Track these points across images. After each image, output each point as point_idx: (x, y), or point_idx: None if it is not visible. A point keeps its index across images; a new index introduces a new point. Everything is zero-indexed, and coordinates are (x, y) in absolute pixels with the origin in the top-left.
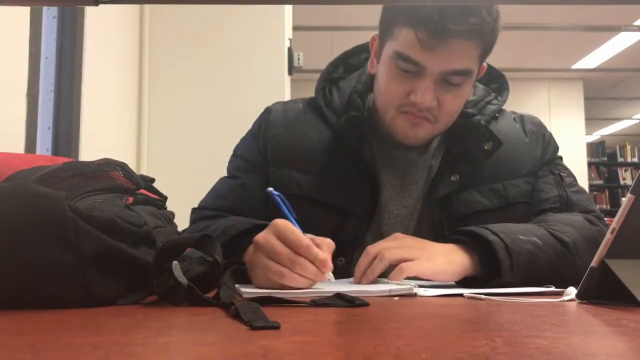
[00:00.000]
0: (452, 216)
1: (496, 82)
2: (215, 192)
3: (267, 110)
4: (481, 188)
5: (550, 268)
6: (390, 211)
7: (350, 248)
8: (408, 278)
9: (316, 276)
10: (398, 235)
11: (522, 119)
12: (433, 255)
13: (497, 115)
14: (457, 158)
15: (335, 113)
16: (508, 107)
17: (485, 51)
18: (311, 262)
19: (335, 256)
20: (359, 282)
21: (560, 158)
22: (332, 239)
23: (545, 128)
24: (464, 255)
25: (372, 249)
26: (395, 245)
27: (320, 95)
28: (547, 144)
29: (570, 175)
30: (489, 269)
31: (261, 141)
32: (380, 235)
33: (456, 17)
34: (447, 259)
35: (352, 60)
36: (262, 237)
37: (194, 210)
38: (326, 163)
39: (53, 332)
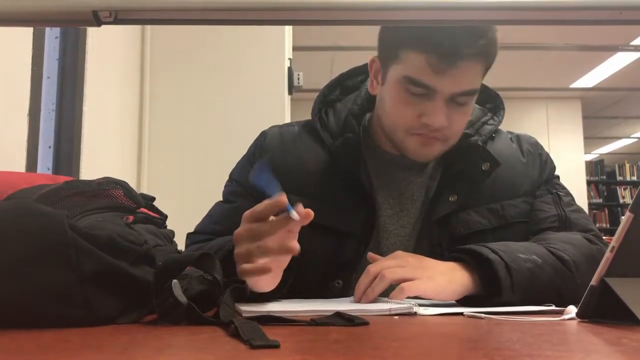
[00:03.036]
0: (451, 236)
1: (491, 102)
2: (210, 217)
3: (263, 134)
4: (479, 208)
5: (550, 286)
6: (389, 231)
7: (348, 270)
8: (408, 297)
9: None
10: (399, 253)
11: (518, 139)
12: (434, 274)
13: (493, 135)
14: (455, 178)
15: (331, 135)
16: (507, 126)
17: (487, 69)
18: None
19: (332, 278)
20: (359, 301)
21: (558, 177)
22: (329, 261)
23: (542, 148)
24: (464, 274)
25: (373, 268)
26: (397, 264)
27: (317, 117)
28: (544, 163)
29: (568, 194)
30: (489, 288)
31: None
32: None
33: (466, 40)
34: (448, 278)
35: (349, 82)
36: (237, 230)
37: (189, 235)
38: (323, 185)
39: (52, 351)
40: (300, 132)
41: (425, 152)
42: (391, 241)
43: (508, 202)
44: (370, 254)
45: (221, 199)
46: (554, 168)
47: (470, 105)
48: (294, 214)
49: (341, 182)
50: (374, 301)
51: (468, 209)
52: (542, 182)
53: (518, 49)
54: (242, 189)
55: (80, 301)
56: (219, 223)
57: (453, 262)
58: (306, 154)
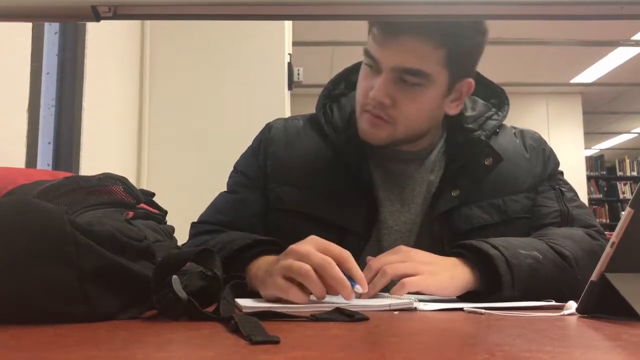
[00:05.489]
0: (453, 231)
1: (496, 97)
2: (215, 207)
3: (268, 127)
4: (481, 203)
5: (551, 282)
6: (390, 227)
7: None
8: (410, 292)
9: (344, 288)
10: (402, 248)
11: (522, 134)
12: (436, 270)
13: (497, 130)
14: (458, 173)
15: (335, 130)
16: (507, 121)
17: (453, 58)
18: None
19: None
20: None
21: (561, 173)
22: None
23: (545, 143)
24: (466, 270)
25: (374, 263)
26: (398, 260)
27: (321, 112)
28: (547, 159)
29: (571, 190)
30: (489, 283)
31: (261, 157)
32: (380, 252)
33: None
34: (450, 274)
35: (353, 77)
36: (298, 244)
37: (193, 224)
38: (325, 180)
39: (52, 347)
40: (305, 126)
41: (372, 132)
42: (392, 237)
43: (510, 198)
44: (368, 258)
45: (225, 190)
46: (557, 164)
47: (425, 92)
48: (358, 289)
49: (344, 177)
50: (374, 297)
51: (470, 204)
52: (545, 177)
53: (518, 44)
54: (246, 181)
55: (80, 297)
56: (224, 214)
57: (454, 258)
58: (309, 148)
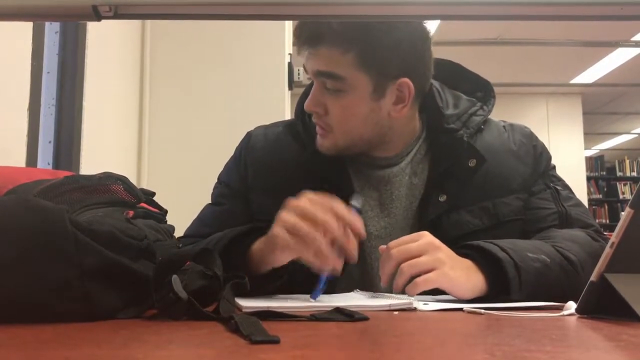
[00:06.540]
0: (443, 239)
1: (482, 89)
2: (200, 220)
3: (248, 135)
4: (471, 208)
5: (557, 286)
6: (370, 233)
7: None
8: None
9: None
10: (426, 235)
11: (512, 128)
12: (454, 266)
13: (482, 127)
14: (444, 176)
15: (312, 137)
16: (507, 120)
17: (368, 60)
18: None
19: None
20: (385, 285)
21: (554, 168)
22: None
23: (536, 139)
24: (479, 275)
25: (395, 253)
26: (418, 249)
27: (299, 119)
28: (539, 156)
29: (566, 187)
30: (496, 286)
31: (242, 167)
32: (364, 259)
33: (309, 24)
34: (467, 275)
35: None
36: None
37: (179, 239)
38: (305, 187)
39: (52, 345)
40: (285, 132)
41: (319, 142)
42: (372, 243)
43: (500, 200)
44: (381, 248)
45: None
46: (549, 159)
47: (347, 97)
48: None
49: (322, 184)
50: (374, 296)
51: (459, 209)
52: (538, 175)
53: (518, 45)
54: (229, 191)
55: (81, 296)
56: (209, 226)
57: (468, 260)
58: (288, 155)
